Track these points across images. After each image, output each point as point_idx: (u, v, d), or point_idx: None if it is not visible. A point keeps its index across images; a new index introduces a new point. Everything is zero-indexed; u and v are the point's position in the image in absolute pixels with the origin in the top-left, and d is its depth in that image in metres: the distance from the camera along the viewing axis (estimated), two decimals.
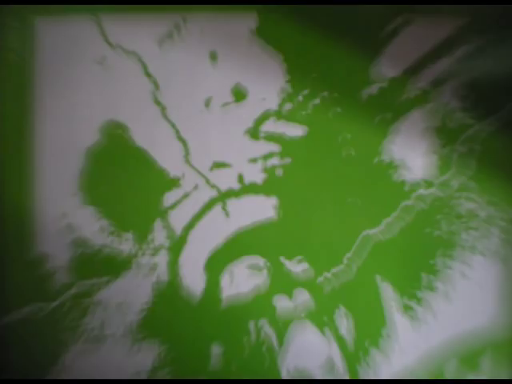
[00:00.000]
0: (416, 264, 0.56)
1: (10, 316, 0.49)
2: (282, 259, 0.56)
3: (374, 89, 0.57)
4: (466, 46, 0.57)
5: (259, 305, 0.56)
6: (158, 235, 0.55)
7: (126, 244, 0.53)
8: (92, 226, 0.52)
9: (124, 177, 0.53)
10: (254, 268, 0.57)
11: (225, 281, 0.56)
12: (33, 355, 0.51)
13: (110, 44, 0.52)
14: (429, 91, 0.57)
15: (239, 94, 0.56)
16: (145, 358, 0.55)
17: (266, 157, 0.57)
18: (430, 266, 0.56)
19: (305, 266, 0.56)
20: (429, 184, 0.57)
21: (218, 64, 0.55)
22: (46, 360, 0.51)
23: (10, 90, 0.48)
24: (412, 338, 0.56)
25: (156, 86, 0.54)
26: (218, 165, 0.56)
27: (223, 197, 0.56)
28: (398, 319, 0.56)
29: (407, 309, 0.56)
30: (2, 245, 0.50)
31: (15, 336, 0.50)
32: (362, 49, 0.56)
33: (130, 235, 0.54)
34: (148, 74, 0.53)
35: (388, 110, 0.57)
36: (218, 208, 0.56)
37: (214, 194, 0.56)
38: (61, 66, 0.50)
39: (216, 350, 0.56)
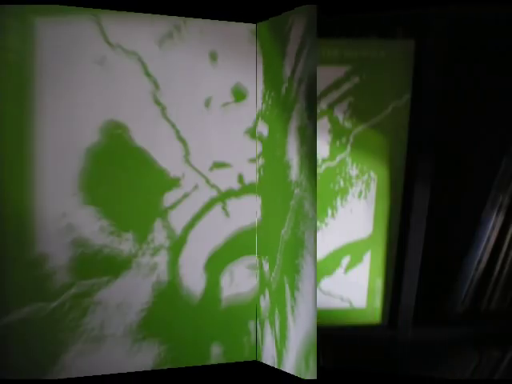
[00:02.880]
0: None
1: (10, 316, 0.49)
2: None
3: None
4: None
5: (259, 305, 0.56)
6: (158, 235, 0.55)
7: (125, 244, 0.53)
8: (92, 226, 0.52)
9: (124, 177, 0.53)
10: (254, 268, 0.57)
11: (225, 281, 0.56)
12: (33, 355, 0.51)
13: (110, 44, 0.51)
14: None
15: (239, 94, 0.56)
16: (145, 358, 0.55)
17: None
18: None
19: None
20: None
21: (218, 64, 0.55)
22: (46, 360, 0.51)
23: (10, 90, 0.48)
24: None
25: (156, 86, 0.54)
26: (218, 165, 0.56)
27: (223, 197, 0.56)
28: None
29: None
30: (2, 245, 0.49)
31: (15, 336, 0.50)
32: None
33: (129, 235, 0.54)
34: (148, 74, 0.53)
35: None
36: (218, 208, 0.56)
37: (213, 194, 0.56)
38: (61, 66, 0.50)
39: (216, 350, 0.56)
